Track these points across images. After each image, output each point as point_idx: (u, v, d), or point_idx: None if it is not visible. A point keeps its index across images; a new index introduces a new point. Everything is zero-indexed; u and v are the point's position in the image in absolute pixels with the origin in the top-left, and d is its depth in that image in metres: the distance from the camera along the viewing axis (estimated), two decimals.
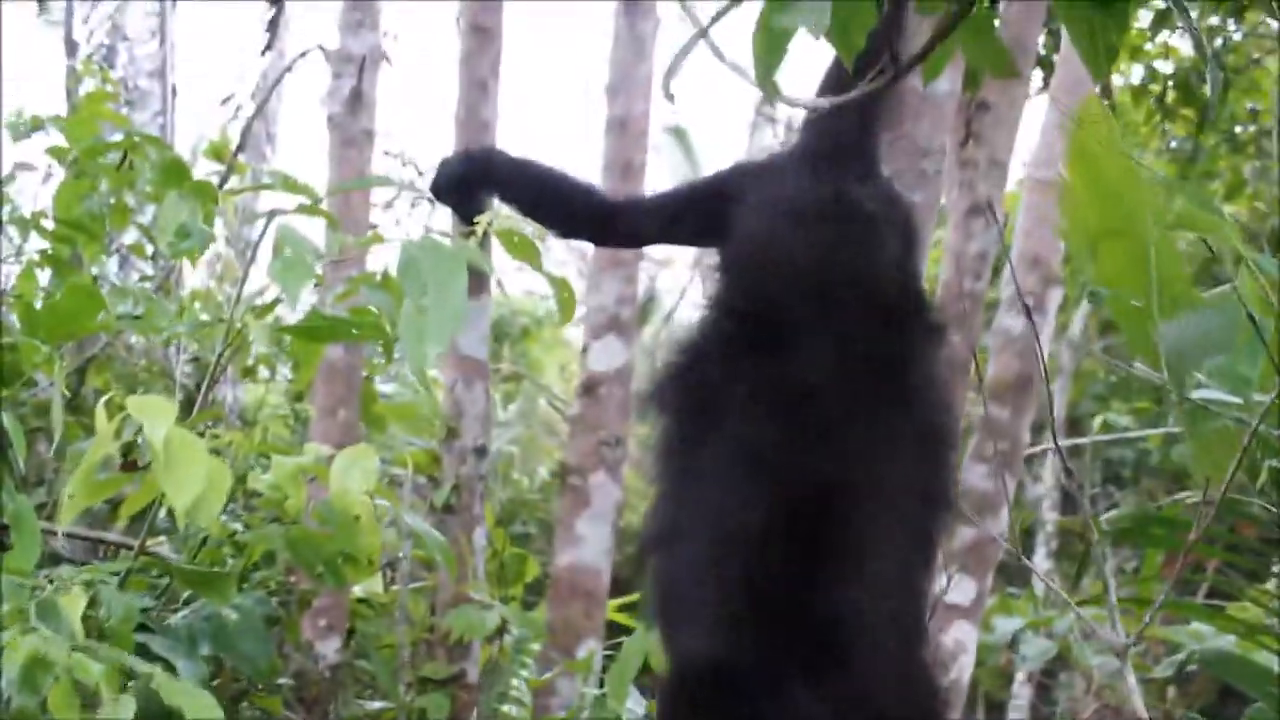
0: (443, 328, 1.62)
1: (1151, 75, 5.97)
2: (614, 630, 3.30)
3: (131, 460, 1.77)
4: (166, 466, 1.58)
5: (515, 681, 3.18)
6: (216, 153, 3.96)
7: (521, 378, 7.65)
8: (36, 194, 4.07)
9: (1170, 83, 5.89)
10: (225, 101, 7.23)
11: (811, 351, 1.83)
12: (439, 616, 2.56)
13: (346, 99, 3.42)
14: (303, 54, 3.48)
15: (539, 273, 1.91)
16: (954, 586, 3.28)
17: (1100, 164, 2.11)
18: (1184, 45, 6.25)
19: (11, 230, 3.54)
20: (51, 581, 1.69)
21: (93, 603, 1.73)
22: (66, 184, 3.22)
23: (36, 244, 3.48)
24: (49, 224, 3.27)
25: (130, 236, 3.97)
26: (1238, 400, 1.68)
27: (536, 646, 3.20)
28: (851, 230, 1.99)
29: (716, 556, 1.78)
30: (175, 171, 2.16)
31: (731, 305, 1.99)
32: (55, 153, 3.54)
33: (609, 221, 2.31)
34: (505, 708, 3.12)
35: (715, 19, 1.68)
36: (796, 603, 1.72)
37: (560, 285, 1.94)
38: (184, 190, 2.05)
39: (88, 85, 6.66)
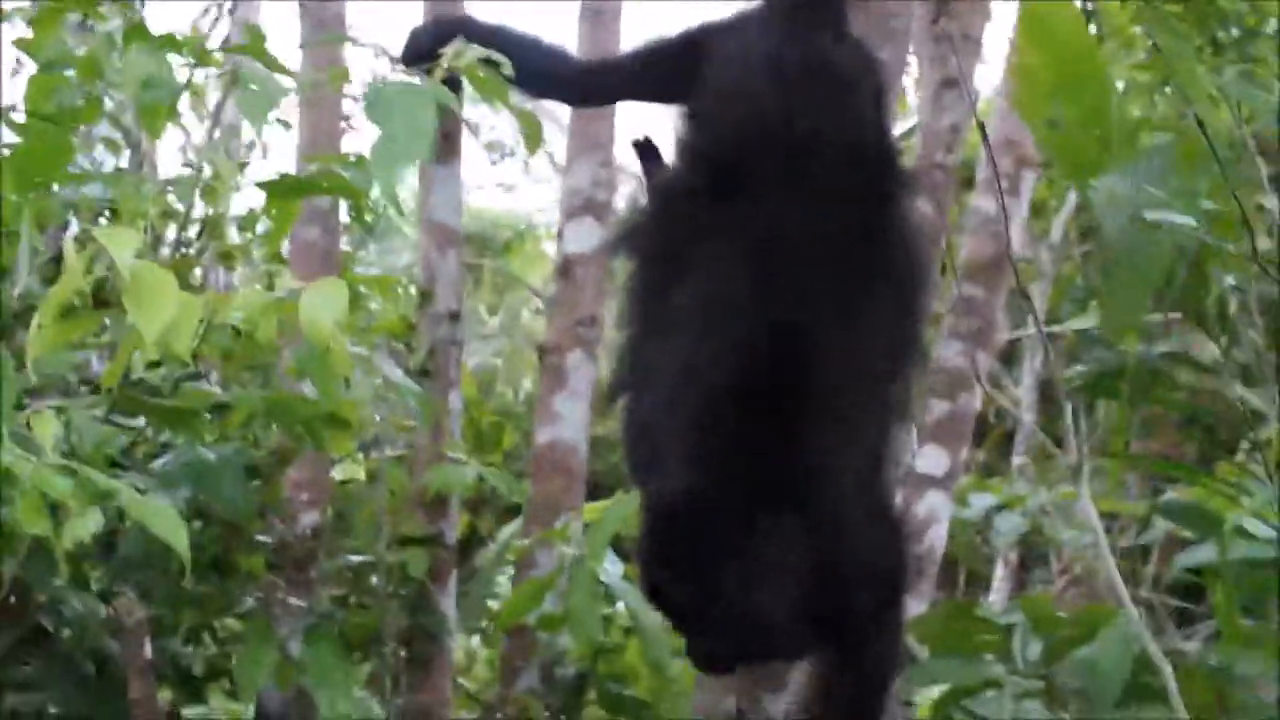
0: (411, 148, 1.63)
1: None
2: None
3: (103, 298, 1.79)
4: (135, 296, 1.60)
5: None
6: (185, 44, 3.91)
7: (504, 290, 7.66)
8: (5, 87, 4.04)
9: None
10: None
11: (780, 202, 1.84)
12: (416, 479, 2.60)
13: None
14: None
15: (506, 107, 1.91)
16: (926, 457, 3.34)
17: (1054, 27, 2.11)
18: None
19: None
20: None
21: (71, 442, 1.75)
22: (36, 77, 3.21)
23: (9, 138, 3.48)
24: (20, 118, 3.27)
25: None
26: (1191, 221, 1.70)
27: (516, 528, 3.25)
28: (820, 84, 1.99)
29: (685, 399, 1.80)
30: (139, 34, 2.15)
31: (700, 155, 2.00)
32: (22, 44, 3.52)
33: (581, 79, 2.32)
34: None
35: None
36: (764, 444, 1.74)
37: (526, 118, 1.95)
38: (147, 44, 2.04)
39: None
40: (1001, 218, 3.39)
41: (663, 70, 2.20)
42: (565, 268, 3.36)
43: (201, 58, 2.32)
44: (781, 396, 1.75)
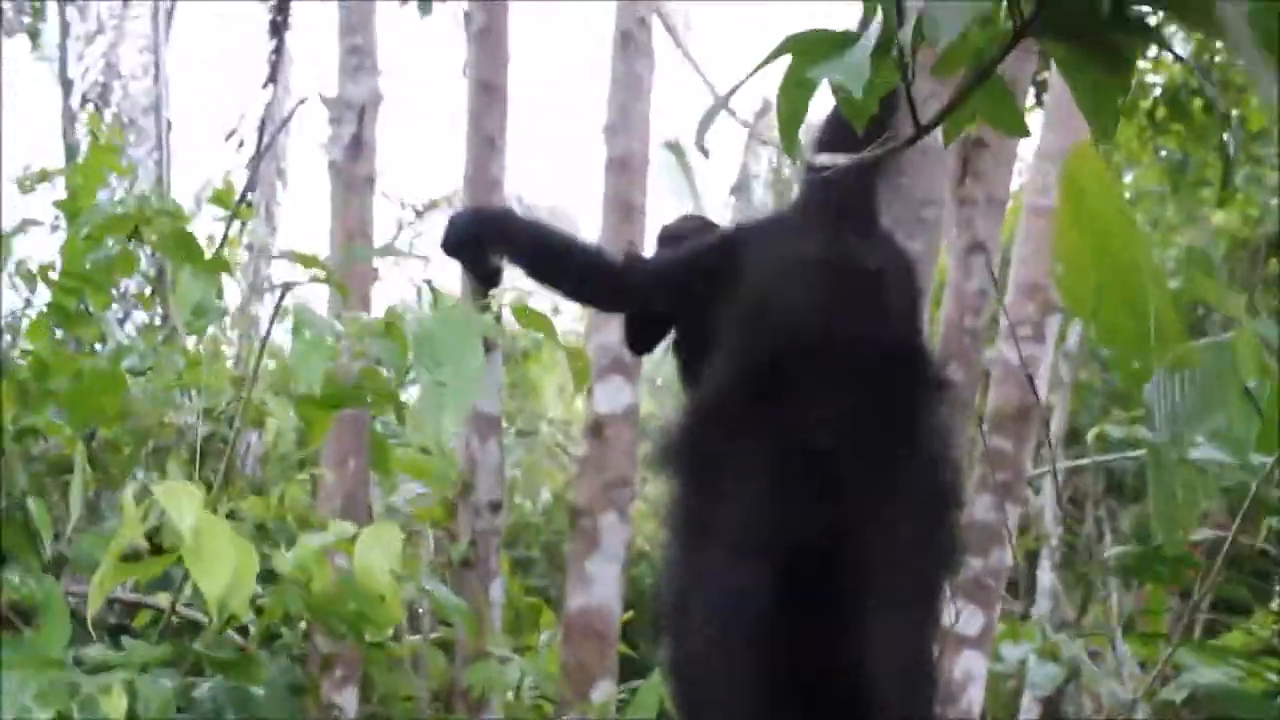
0: (460, 401, 1.66)
1: (1141, 90, 6.02)
2: (625, 667, 3.33)
3: (157, 544, 1.80)
4: (196, 554, 1.61)
5: None
6: (222, 199, 3.99)
7: (522, 399, 7.66)
8: (44, 244, 4.11)
9: (1159, 96, 5.94)
10: (229, 137, 7.25)
11: (816, 412, 1.86)
12: (458, 670, 2.59)
13: (347, 145, 3.46)
14: (301, 101, 3.52)
15: (555, 345, 1.93)
16: (961, 616, 3.32)
17: (1095, 211, 2.14)
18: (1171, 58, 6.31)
19: (19, 282, 3.58)
20: (80, 663, 1.72)
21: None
22: (73, 237, 3.27)
23: (45, 295, 3.55)
24: (55, 275, 3.33)
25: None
26: (1233, 461, 1.71)
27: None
28: (853, 288, 2.02)
29: (729, 629, 1.81)
30: (187, 245, 2.19)
31: (737, 366, 2.03)
32: (63, 207, 3.60)
33: (616, 289, 2.34)
34: None
35: (735, 89, 1.72)
36: (809, 669, 1.75)
37: (575, 355, 1.98)
38: (197, 267, 2.08)
39: (82, 124, 6.70)
40: (1028, 363, 3.43)
41: (698, 280, 2.23)
42: (596, 428, 3.37)
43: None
44: (825, 616, 1.75)
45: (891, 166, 2.38)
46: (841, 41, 1.39)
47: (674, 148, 10.61)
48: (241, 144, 7.28)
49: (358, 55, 3.58)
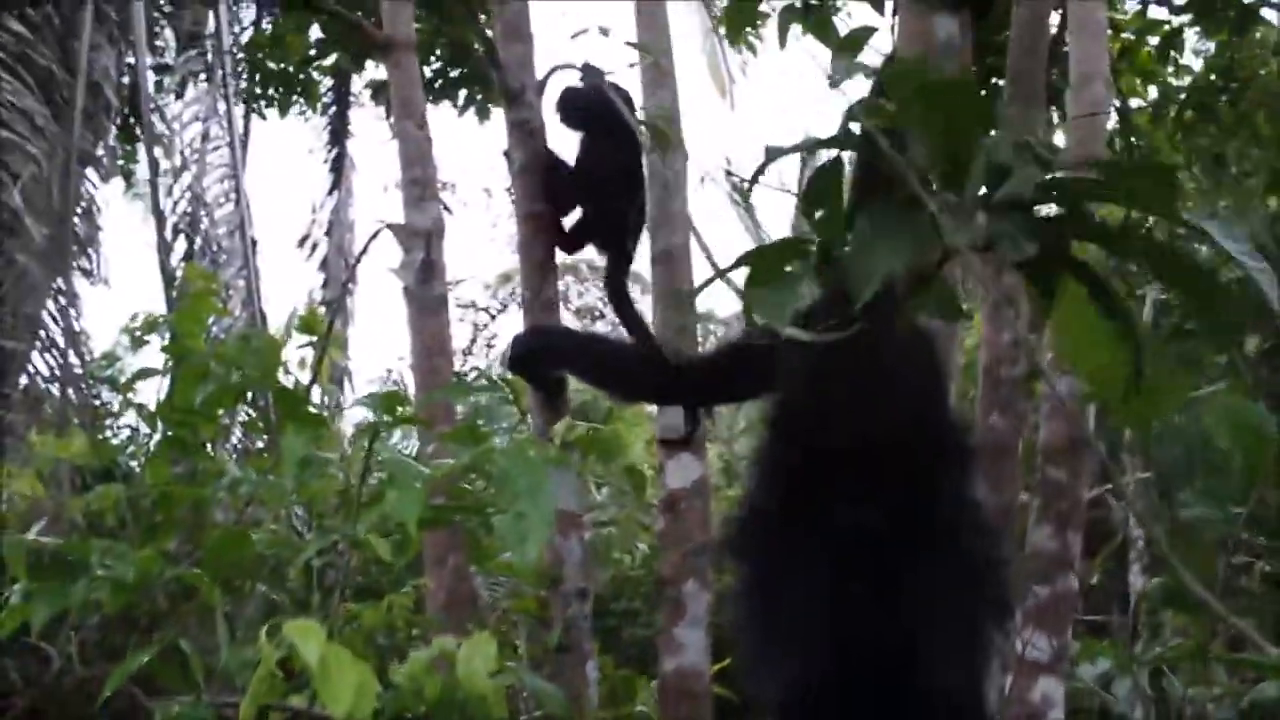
0: (539, 531, 1.93)
1: (1167, 96, 6.14)
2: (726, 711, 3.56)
3: (290, 667, 2.11)
4: (322, 681, 1.91)
5: None
6: (308, 326, 4.36)
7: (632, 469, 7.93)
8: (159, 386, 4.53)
9: (1186, 100, 6.04)
10: (302, 243, 7.76)
11: (858, 499, 2.10)
12: None
13: (419, 271, 3.80)
14: (374, 235, 3.87)
15: (622, 468, 2.21)
16: (1033, 644, 3.49)
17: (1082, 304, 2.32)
18: (1196, 63, 6.43)
19: (138, 422, 3.98)
20: None
21: None
22: (181, 378, 3.65)
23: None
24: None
25: None
26: (1220, 515, 1.91)
27: None
28: (880, 377, 2.26)
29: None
30: (290, 402, 2.53)
31: (780, 463, 2.27)
32: (170, 352, 3.99)
33: (667, 388, 2.63)
34: None
35: (753, 180, 2.01)
36: None
37: (633, 473, 2.25)
38: (300, 423, 2.40)
39: (177, 254, 7.21)
40: (1075, 397, 3.62)
41: (740, 378, 2.49)
42: (670, 503, 3.64)
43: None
44: (888, 698, 1.98)
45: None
46: (792, 255, 1.68)
47: (740, 192, 10.86)
48: (314, 248, 7.73)
49: (419, 186, 3.94)
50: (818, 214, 1.76)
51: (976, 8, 2.75)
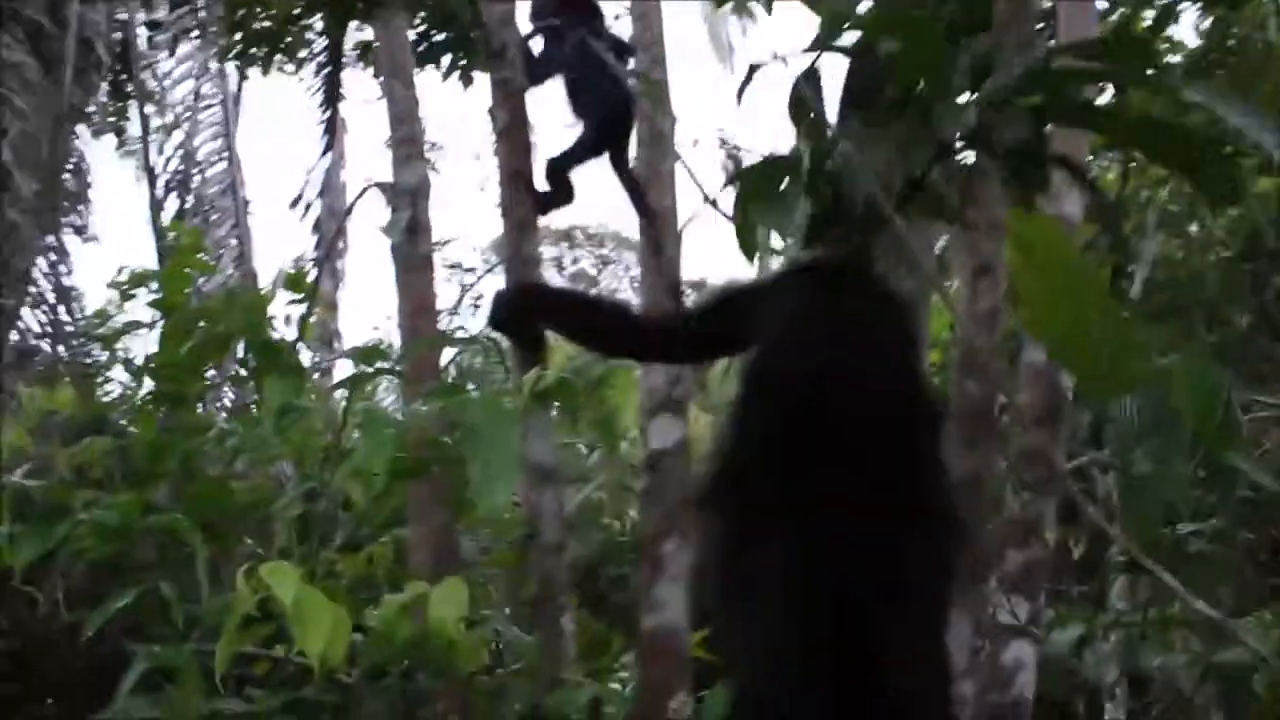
0: (505, 477, 1.97)
1: None
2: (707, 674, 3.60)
3: (268, 610, 2.15)
4: (298, 621, 1.95)
5: None
6: (295, 283, 4.38)
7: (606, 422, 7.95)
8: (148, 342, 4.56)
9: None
10: (294, 204, 7.73)
11: (828, 460, 2.13)
12: (539, 696, 2.90)
13: (405, 229, 3.82)
14: (360, 194, 3.90)
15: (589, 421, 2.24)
16: (1006, 609, 3.53)
17: (1044, 262, 2.35)
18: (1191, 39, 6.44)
19: (125, 376, 4.02)
20: (216, 715, 2.08)
21: None
22: (169, 332, 3.68)
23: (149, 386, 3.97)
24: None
25: None
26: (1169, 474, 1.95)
27: None
28: (852, 340, 2.29)
29: (767, 671, 2.09)
30: (270, 351, 2.56)
31: (753, 422, 2.30)
32: (158, 306, 4.02)
33: (646, 345, 2.65)
34: None
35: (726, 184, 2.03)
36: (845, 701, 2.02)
37: (606, 427, 2.28)
38: (281, 374, 2.44)
39: (168, 210, 7.21)
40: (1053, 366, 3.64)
41: (716, 338, 2.52)
42: (652, 462, 3.67)
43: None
44: (853, 651, 2.03)
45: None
46: (783, 172, 1.70)
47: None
48: (307, 208, 7.73)
49: (407, 145, 3.95)
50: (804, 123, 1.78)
51: None
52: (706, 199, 1.96)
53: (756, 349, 2.38)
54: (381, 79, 4.87)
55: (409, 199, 3.83)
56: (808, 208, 1.97)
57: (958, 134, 1.91)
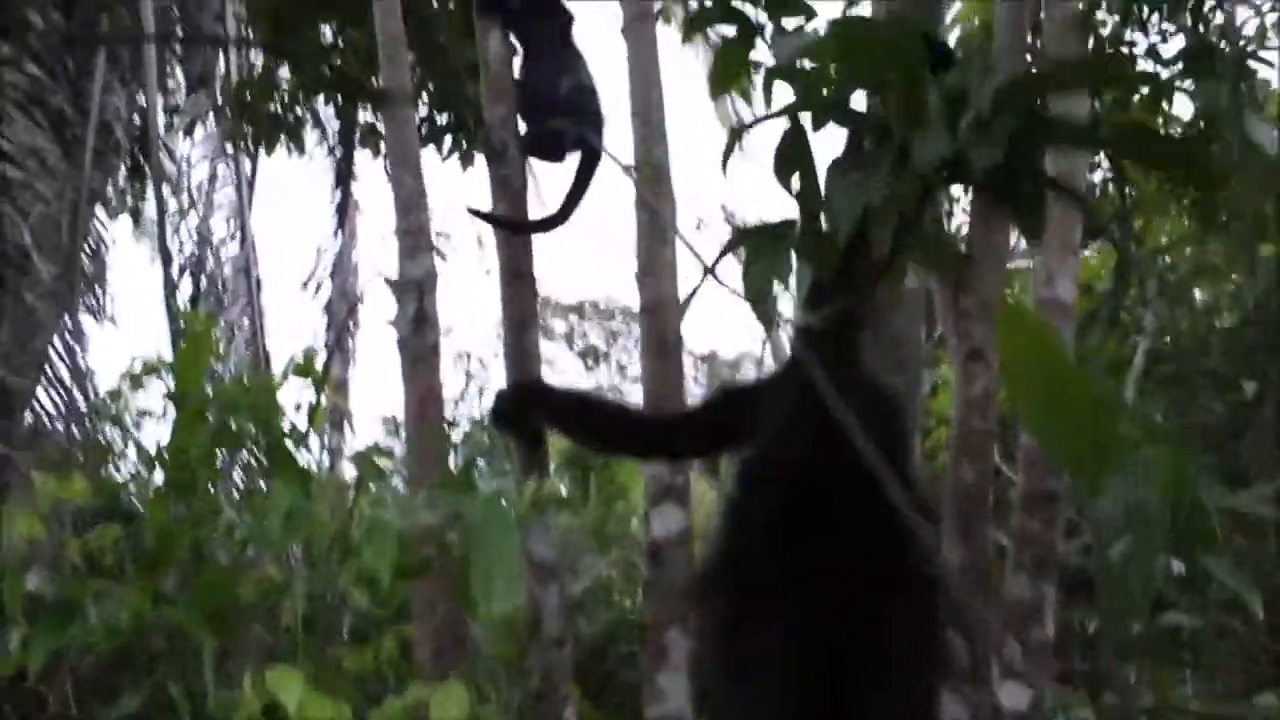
0: (506, 592, 2.02)
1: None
2: None
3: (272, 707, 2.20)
4: None
5: None
6: (304, 370, 4.46)
7: (612, 501, 8.02)
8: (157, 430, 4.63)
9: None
10: (306, 284, 7.88)
11: (818, 546, 2.20)
12: None
13: (411, 322, 3.90)
14: (362, 293, 3.99)
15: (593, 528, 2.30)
16: (1009, 693, 3.55)
17: (1033, 358, 2.41)
18: (1186, 112, 6.52)
19: (140, 466, 4.09)
20: None
21: None
22: (182, 422, 3.75)
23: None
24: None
25: None
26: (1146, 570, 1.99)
27: None
28: (841, 434, 2.36)
29: None
30: (279, 453, 2.63)
31: (750, 513, 2.37)
32: (171, 398, 4.09)
33: (644, 444, 2.73)
34: None
35: (724, 253, 2.10)
36: None
37: (601, 536, 2.33)
38: (288, 479, 2.50)
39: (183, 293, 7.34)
40: None
41: (714, 436, 2.60)
42: (654, 551, 3.71)
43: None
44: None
45: (871, 314, 2.72)
46: (781, 236, 1.77)
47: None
48: (318, 289, 7.85)
49: (413, 236, 4.04)
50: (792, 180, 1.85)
51: None
52: (708, 270, 2.03)
53: (754, 444, 2.46)
54: (388, 167, 5.00)
55: (415, 292, 3.91)
56: (806, 269, 2.03)
57: (939, 167, 1.93)
